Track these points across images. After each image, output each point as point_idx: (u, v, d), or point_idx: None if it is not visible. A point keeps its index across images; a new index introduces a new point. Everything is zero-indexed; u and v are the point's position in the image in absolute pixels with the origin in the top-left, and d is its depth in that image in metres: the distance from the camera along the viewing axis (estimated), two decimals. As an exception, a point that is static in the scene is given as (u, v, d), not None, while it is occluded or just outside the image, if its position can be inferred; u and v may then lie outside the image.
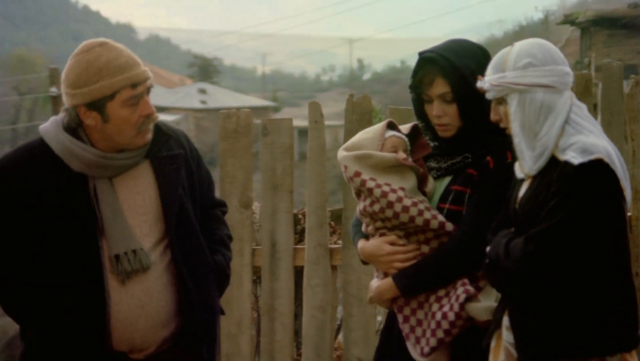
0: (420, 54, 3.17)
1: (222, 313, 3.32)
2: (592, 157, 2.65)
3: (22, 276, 2.98)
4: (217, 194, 3.71)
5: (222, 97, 47.21)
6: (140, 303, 3.00)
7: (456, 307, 3.00)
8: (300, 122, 11.41)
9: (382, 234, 3.18)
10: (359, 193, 3.19)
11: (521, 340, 2.83)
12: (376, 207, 3.11)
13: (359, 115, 4.67)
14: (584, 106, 2.87)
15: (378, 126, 3.29)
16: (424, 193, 3.17)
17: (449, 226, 3.07)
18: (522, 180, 2.89)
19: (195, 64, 61.07)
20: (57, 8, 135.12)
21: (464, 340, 3.07)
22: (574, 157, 2.67)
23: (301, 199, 5.15)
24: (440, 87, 3.10)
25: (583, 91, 4.56)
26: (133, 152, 3.05)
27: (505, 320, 2.89)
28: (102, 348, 2.97)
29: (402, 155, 3.18)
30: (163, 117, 3.12)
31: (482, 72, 2.94)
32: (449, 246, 3.07)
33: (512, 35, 36.12)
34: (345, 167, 3.18)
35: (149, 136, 3.05)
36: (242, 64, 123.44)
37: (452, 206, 3.11)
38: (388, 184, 3.10)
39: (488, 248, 2.87)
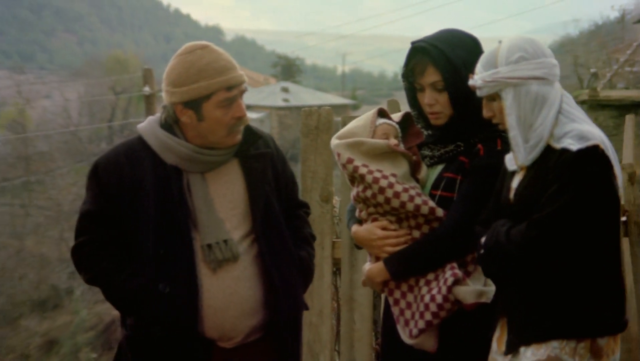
0: (413, 43, 3.14)
1: (306, 308, 3.33)
2: (589, 143, 2.64)
3: (121, 264, 3.04)
4: (299, 189, 3.72)
5: (304, 96, 47.44)
6: (230, 291, 3.04)
7: (444, 290, 2.98)
8: (379, 119, 11.34)
9: (374, 220, 3.17)
10: (352, 180, 3.19)
11: (514, 321, 2.81)
12: (368, 193, 3.09)
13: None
14: (571, 96, 2.86)
15: (369, 114, 3.28)
16: (417, 180, 3.14)
17: (440, 212, 3.04)
18: (513, 172, 2.86)
19: (278, 64, 61.42)
20: (150, 11, 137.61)
21: (452, 324, 3.04)
22: (572, 144, 2.66)
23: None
24: (431, 75, 3.07)
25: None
26: (224, 149, 3.10)
27: None
28: (194, 334, 3.00)
29: (393, 141, 3.15)
30: (248, 115, 3.15)
31: (473, 61, 2.93)
32: (439, 232, 3.04)
33: (588, 34, 35.34)
34: (339, 154, 3.18)
35: (239, 137, 3.10)
36: (323, 63, 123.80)
37: (443, 192, 3.08)
38: (380, 171, 3.09)
39: (483, 239, 2.83)
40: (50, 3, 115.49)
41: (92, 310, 21.65)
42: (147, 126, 3.13)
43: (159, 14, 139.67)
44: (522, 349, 2.76)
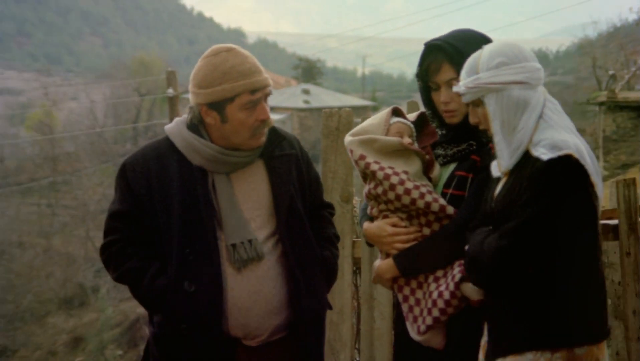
0: (427, 43, 3.12)
1: (330, 307, 3.32)
2: (561, 153, 2.58)
3: (148, 262, 3.05)
4: (321, 189, 3.71)
5: (325, 97, 47.45)
6: (255, 290, 3.04)
7: (451, 286, 2.96)
8: (399, 120, 11.31)
9: (385, 216, 3.15)
10: (364, 176, 3.17)
11: (493, 331, 2.79)
12: (379, 189, 3.08)
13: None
14: (556, 102, 2.81)
15: (384, 113, 3.27)
16: (430, 179, 3.13)
17: (450, 210, 3.03)
18: (498, 179, 2.83)
19: (299, 66, 61.44)
20: (173, 15, 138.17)
21: (460, 321, 3.02)
22: (544, 154, 2.60)
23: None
24: (447, 73, 3.05)
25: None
26: (248, 151, 3.10)
27: None
28: (219, 333, 3.00)
29: (406, 140, 3.13)
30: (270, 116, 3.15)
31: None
32: (448, 229, 3.03)
33: (606, 36, 35.08)
34: (351, 151, 3.16)
35: (263, 139, 3.10)
36: (344, 65, 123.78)
37: (455, 191, 3.06)
38: (391, 168, 3.07)
39: (466, 247, 2.82)
40: (77, 6, 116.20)
41: (117, 307, 21.78)
42: (174, 127, 3.14)
43: (183, 17, 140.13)
44: (499, 360, 2.74)
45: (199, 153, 3.05)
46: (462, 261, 2.96)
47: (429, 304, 3.02)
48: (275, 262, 3.09)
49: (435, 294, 3.00)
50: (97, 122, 40.57)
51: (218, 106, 3.01)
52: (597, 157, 21.37)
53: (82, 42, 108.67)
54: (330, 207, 3.49)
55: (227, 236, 3.02)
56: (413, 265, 3.08)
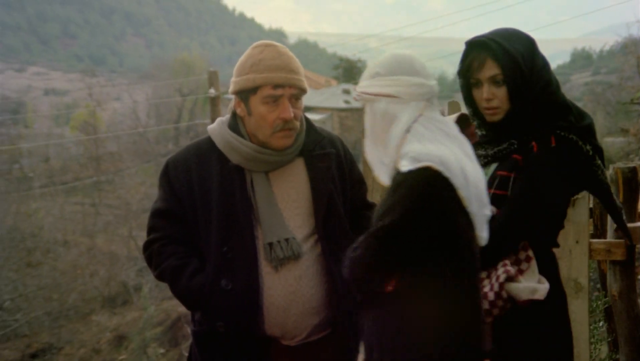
0: (469, 41, 3.09)
1: None
2: (420, 165, 2.48)
3: (187, 260, 3.07)
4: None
5: (365, 97, 47.30)
6: (292, 290, 3.03)
7: (496, 287, 2.92)
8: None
9: None
10: None
11: (366, 348, 2.67)
12: None
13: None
14: (443, 119, 2.74)
15: None
16: None
17: (492, 210, 2.96)
18: None
19: (340, 66, 61.34)
20: (216, 15, 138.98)
21: (507, 322, 2.97)
22: (404, 166, 2.52)
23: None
24: (490, 69, 3.02)
25: None
26: (285, 149, 3.09)
27: None
28: (256, 331, 3.01)
29: None
30: (310, 116, 3.16)
31: (530, 57, 2.93)
32: (490, 229, 2.96)
33: (650, 34, 34.55)
34: None
35: (288, 141, 3.08)
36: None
37: (497, 190, 3.02)
38: None
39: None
40: (120, 7, 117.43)
41: (159, 306, 21.94)
42: (216, 126, 3.17)
43: (225, 18, 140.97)
44: None
45: (237, 152, 3.07)
46: (506, 261, 2.95)
47: None
48: (314, 261, 3.08)
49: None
50: (140, 123, 40.98)
51: (243, 95, 3.05)
52: (642, 158, 21.03)
53: (126, 42, 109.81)
54: (373, 207, 3.46)
55: (264, 234, 3.02)
56: None
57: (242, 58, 3.09)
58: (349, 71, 58.51)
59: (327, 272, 3.09)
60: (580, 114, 3.06)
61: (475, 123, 3.21)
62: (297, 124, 3.08)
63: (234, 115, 3.15)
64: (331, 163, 3.20)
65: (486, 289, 2.96)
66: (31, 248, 25.01)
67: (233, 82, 3.07)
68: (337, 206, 3.16)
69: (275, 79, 3.00)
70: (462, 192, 2.53)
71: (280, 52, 3.06)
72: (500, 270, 2.94)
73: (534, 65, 2.97)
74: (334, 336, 3.12)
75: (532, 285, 2.93)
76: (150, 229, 3.15)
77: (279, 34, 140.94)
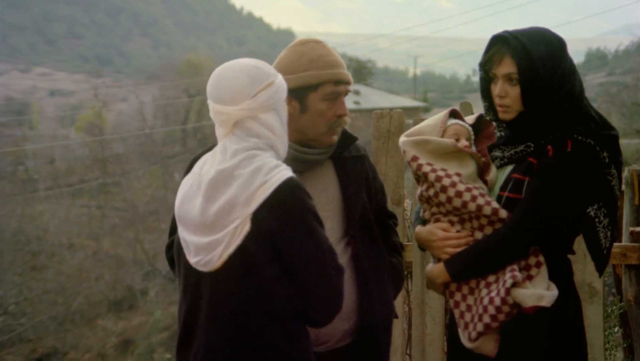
0: (494, 34, 3.09)
1: (396, 316, 3.29)
2: None
3: None
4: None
5: (375, 98, 47.36)
6: None
7: (502, 292, 2.91)
8: (451, 121, 11.25)
9: (437, 220, 3.12)
10: (417, 178, 3.15)
11: None
12: (431, 191, 3.06)
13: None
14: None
15: (441, 114, 3.23)
16: (485, 182, 3.08)
17: (503, 213, 2.97)
18: None
19: (350, 66, 61.23)
20: (223, 15, 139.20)
21: (520, 328, 2.95)
22: None
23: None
24: (507, 66, 3.01)
25: None
26: (321, 149, 3.11)
27: None
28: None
29: (463, 143, 3.11)
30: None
31: (552, 61, 2.91)
32: (500, 233, 2.97)
33: (666, 34, 34.44)
34: (404, 152, 3.14)
35: (336, 137, 3.11)
36: (395, 66, 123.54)
37: (510, 194, 3.01)
38: (444, 170, 3.04)
39: None
40: (127, 7, 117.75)
41: (166, 310, 21.98)
42: None
43: (232, 17, 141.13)
44: None
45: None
46: (514, 266, 2.94)
47: (480, 310, 2.99)
48: (344, 266, 3.02)
49: (486, 300, 2.97)
50: (147, 124, 41.05)
51: (300, 93, 3.04)
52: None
53: (132, 43, 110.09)
54: (394, 217, 3.44)
55: None
56: (464, 270, 3.05)
57: (290, 55, 3.07)
58: (359, 72, 58.46)
59: (358, 276, 3.08)
60: (606, 125, 3.03)
61: (494, 124, 3.20)
62: (348, 120, 3.12)
63: None
64: (363, 167, 3.20)
65: (493, 294, 2.96)
66: (36, 251, 25.08)
67: (287, 80, 2.98)
68: (368, 211, 3.16)
69: (339, 75, 3.04)
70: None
71: (330, 49, 3.10)
72: (507, 275, 2.93)
73: (557, 69, 2.94)
74: (363, 343, 3.10)
75: (538, 292, 2.91)
76: (172, 231, 3.11)
77: (288, 34, 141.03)
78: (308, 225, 2.60)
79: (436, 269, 3.13)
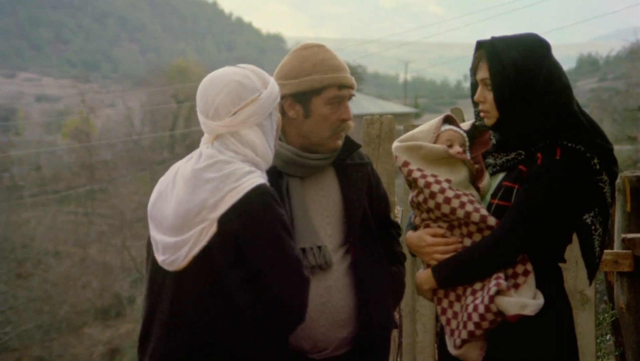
0: (479, 40, 3.11)
1: (396, 326, 3.29)
2: None
3: None
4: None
5: (365, 104, 47.38)
6: (322, 300, 3.03)
7: (486, 300, 2.92)
8: (442, 127, 11.27)
9: (426, 226, 3.14)
10: (409, 184, 3.17)
11: None
12: (421, 197, 3.08)
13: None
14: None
15: (435, 120, 3.26)
16: (478, 189, 3.10)
17: (492, 221, 2.98)
18: None
19: (340, 72, 61.37)
20: (212, 20, 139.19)
21: (502, 336, 2.96)
22: None
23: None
24: (483, 71, 3.05)
25: None
26: (324, 154, 3.12)
27: None
28: (284, 344, 2.95)
29: (457, 148, 3.13)
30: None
31: (528, 65, 2.92)
32: (487, 241, 2.98)
33: (658, 40, 34.64)
34: (397, 157, 3.16)
35: (340, 142, 3.13)
36: (385, 71, 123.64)
37: (500, 201, 3.02)
38: (434, 176, 3.06)
39: None
40: (114, 12, 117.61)
41: (153, 318, 21.86)
42: None
43: (222, 23, 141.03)
44: None
45: (276, 154, 3.05)
46: (500, 274, 2.94)
47: (465, 317, 3.00)
48: (344, 273, 3.07)
49: (470, 308, 2.98)
50: (134, 130, 40.98)
51: (303, 97, 3.06)
52: (650, 166, 21.02)
53: (120, 48, 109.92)
54: (397, 227, 3.44)
55: (297, 240, 2.98)
56: (450, 277, 3.06)
57: (292, 60, 3.09)
58: (349, 77, 58.37)
59: (357, 284, 3.08)
60: (600, 135, 3.02)
61: (490, 131, 3.20)
62: (352, 125, 3.12)
63: None
64: (365, 174, 3.21)
65: (477, 301, 2.97)
66: (22, 259, 25.00)
67: (290, 85, 3.05)
68: (369, 218, 3.17)
69: (342, 79, 3.06)
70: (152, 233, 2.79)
71: (333, 53, 3.12)
72: (492, 283, 2.94)
73: (535, 75, 2.94)
74: (361, 351, 3.09)
75: (522, 300, 2.92)
76: None
77: (277, 39, 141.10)
78: (274, 232, 2.63)
79: (424, 275, 3.14)
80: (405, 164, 3.12)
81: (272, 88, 2.82)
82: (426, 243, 3.11)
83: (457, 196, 3.01)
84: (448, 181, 3.05)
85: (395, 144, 3.20)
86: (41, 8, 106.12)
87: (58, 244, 29.00)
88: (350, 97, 3.10)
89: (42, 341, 21.48)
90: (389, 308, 3.18)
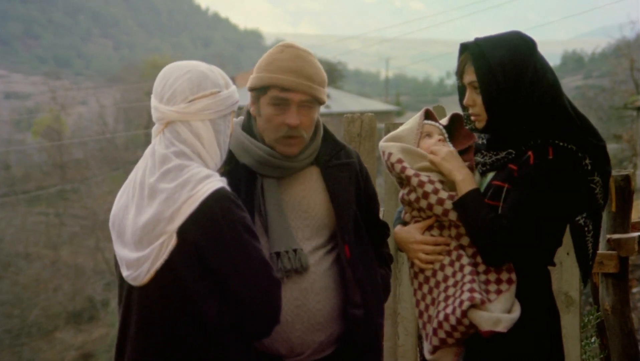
0: (462, 42, 3.12)
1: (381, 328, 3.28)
2: None
3: None
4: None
5: (346, 102, 47.44)
6: (298, 303, 3.02)
7: (458, 313, 2.94)
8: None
9: (416, 222, 3.17)
10: (400, 181, 3.19)
11: None
12: (412, 196, 3.10)
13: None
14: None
15: (416, 117, 3.29)
16: None
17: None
18: None
19: (319, 69, 61.29)
20: (188, 15, 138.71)
21: (479, 342, 2.98)
22: None
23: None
24: (469, 75, 3.06)
25: None
26: (293, 157, 3.10)
27: None
28: (259, 347, 2.97)
29: (435, 138, 3.19)
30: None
31: (514, 65, 2.93)
32: (487, 239, 2.98)
33: (644, 36, 34.90)
34: (390, 154, 3.16)
35: (293, 149, 3.09)
36: (366, 68, 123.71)
37: (489, 201, 3.03)
38: (428, 175, 3.08)
39: None
40: (86, 6, 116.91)
41: (127, 322, 21.78)
42: None
43: (197, 18, 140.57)
44: None
45: (248, 153, 3.08)
46: (472, 286, 2.94)
47: (435, 324, 3.02)
48: (322, 275, 3.07)
49: (441, 316, 2.99)
50: (108, 128, 40.79)
51: (255, 94, 3.10)
52: (635, 165, 21.19)
53: (92, 44, 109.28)
54: (386, 227, 3.44)
55: (272, 243, 3.00)
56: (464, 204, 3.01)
57: (261, 56, 3.13)
58: (330, 74, 58.37)
59: (336, 286, 3.08)
60: (591, 132, 3.04)
61: (468, 127, 3.21)
62: (304, 133, 3.08)
63: (249, 115, 3.18)
64: (352, 173, 3.20)
65: (448, 310, 2.97)
66: (-9, 261, 24.79)
67: (250, 79, 3.11)
68: (358, 218, 3.17)
69: (283, 81, 3.02)
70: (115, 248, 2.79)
71: (298, 56, 3.07)
72: (465, 295, 2.94)
73: (522, 74, 2.95)
74: (340, 354, 3.10)
75: (495, 316, 2.91)
76: None
77: (256, 35, 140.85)
78: (236, 236, 2.61)
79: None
80: (399, 161, 3.13)
81: (233, 92, 2.83)
82: (414, 240, 3.12)
83: (451, 197, 3.04)
84: (441, 182, 3.08)
85: (387, 143, 3.21)
86: (9, 2, 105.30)
87: (28, 246, 28.81)
88: (301, 103, 3.04)
89: (11, 347, 21.34)
90: (377, 308, 3.18)
